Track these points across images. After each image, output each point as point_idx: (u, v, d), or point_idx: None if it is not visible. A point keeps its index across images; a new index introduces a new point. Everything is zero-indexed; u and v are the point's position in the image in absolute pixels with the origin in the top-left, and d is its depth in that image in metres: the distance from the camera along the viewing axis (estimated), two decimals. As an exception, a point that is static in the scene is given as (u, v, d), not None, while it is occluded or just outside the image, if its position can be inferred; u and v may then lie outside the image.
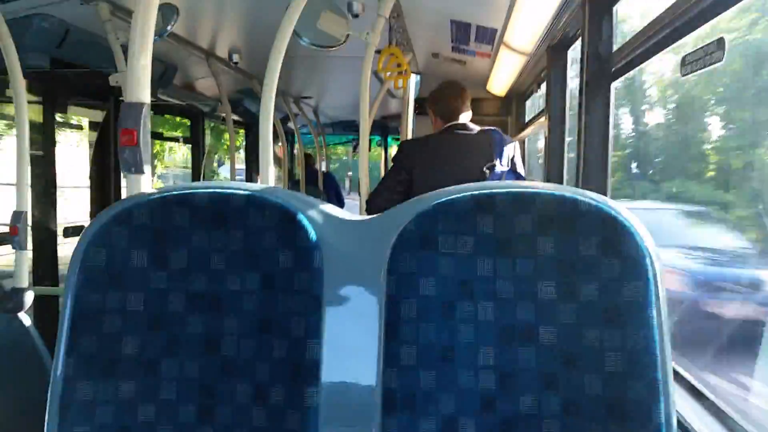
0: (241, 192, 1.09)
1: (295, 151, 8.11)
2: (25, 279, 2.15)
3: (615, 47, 2.21)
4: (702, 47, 1.45)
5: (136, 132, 1.20)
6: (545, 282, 1.03)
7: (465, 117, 2.79)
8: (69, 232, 3.68)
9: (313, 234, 1.06)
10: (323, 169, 7.67)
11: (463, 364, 1.03)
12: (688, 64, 1.51)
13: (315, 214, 1.08)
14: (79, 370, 1.02)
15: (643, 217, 1.04)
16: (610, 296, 1.00)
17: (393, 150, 7.81)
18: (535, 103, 4.43)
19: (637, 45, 1.90)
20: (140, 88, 1.21)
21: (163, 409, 1.04)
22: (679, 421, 1.01)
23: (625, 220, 1.01)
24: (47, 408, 1.01)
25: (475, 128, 2.78)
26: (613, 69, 2.17)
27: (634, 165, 4.30)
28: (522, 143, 4.50)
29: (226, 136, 5.21)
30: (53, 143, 3.50)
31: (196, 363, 1.05)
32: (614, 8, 2.23)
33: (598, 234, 1.01)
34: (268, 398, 1.03)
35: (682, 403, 1.54)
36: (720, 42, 1.40)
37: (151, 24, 1.22)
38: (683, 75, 1.49)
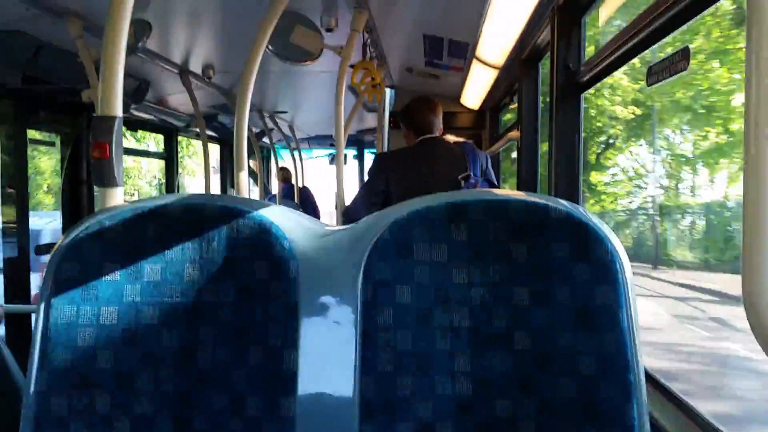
0: (215, 204, 1.09)
1: (271, 166, 8.09)
2: None
3: (584, 59, 2.26)
4: (667, 57, 1.48)
5: (108, 145, 1.20)
6: (519, 288, 1.04)
7: (437, 130, 2.84)
8: (41, 249, 3.62)
9: (288, 244, 1.06)
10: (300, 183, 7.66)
11: (439, 370, 1.03)
12: (654, 74, 1.55)
13: (290, 225, 1.09)
14: (53, 384, 1.01)
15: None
16: (581, 300, 1.02)
17: (369, 163, 7.83)
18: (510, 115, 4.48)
19: (606, 56, 1.94)
20: (112, 101, 1.21)
21: (139, 423, 1.03)
22: (651, 422, 1.03)
23: (596, 226, 1.03)
24: (20, 424, 1.00)
25: (448, 141, 2.83)
26: (582, 80, 2.21)
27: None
28: (497, 154, 4.55)
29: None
30: (25, 160, 3.46)
31: (172, 374, 1.05)
32: (583, 20, 2.28)
33: (570, 240, 1.03)
34: (245, 408, 1.03)
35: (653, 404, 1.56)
36: (685, 51, 1.44)
37: (123, 38, 1.22)
38: (649, 85, 1.53)
